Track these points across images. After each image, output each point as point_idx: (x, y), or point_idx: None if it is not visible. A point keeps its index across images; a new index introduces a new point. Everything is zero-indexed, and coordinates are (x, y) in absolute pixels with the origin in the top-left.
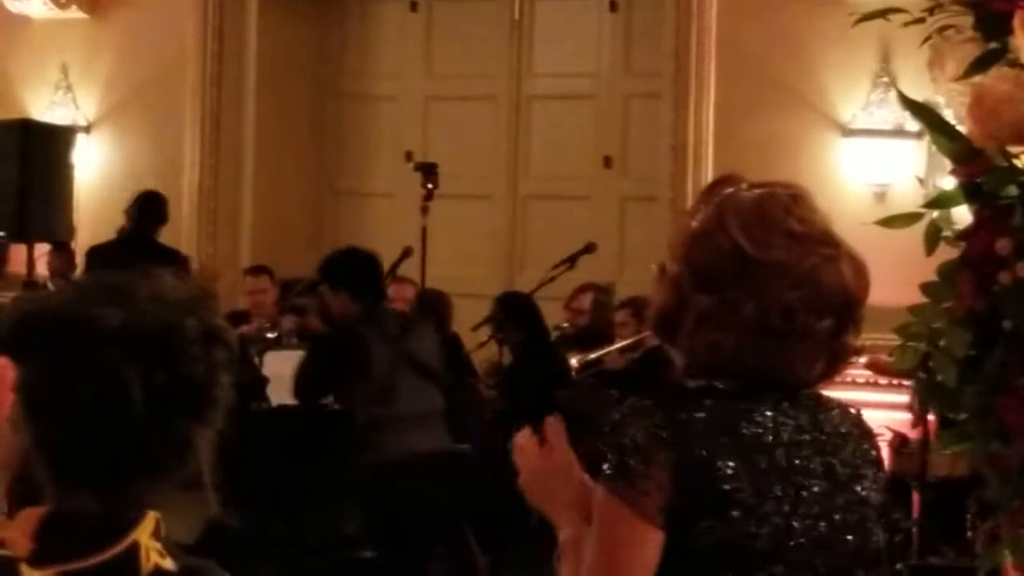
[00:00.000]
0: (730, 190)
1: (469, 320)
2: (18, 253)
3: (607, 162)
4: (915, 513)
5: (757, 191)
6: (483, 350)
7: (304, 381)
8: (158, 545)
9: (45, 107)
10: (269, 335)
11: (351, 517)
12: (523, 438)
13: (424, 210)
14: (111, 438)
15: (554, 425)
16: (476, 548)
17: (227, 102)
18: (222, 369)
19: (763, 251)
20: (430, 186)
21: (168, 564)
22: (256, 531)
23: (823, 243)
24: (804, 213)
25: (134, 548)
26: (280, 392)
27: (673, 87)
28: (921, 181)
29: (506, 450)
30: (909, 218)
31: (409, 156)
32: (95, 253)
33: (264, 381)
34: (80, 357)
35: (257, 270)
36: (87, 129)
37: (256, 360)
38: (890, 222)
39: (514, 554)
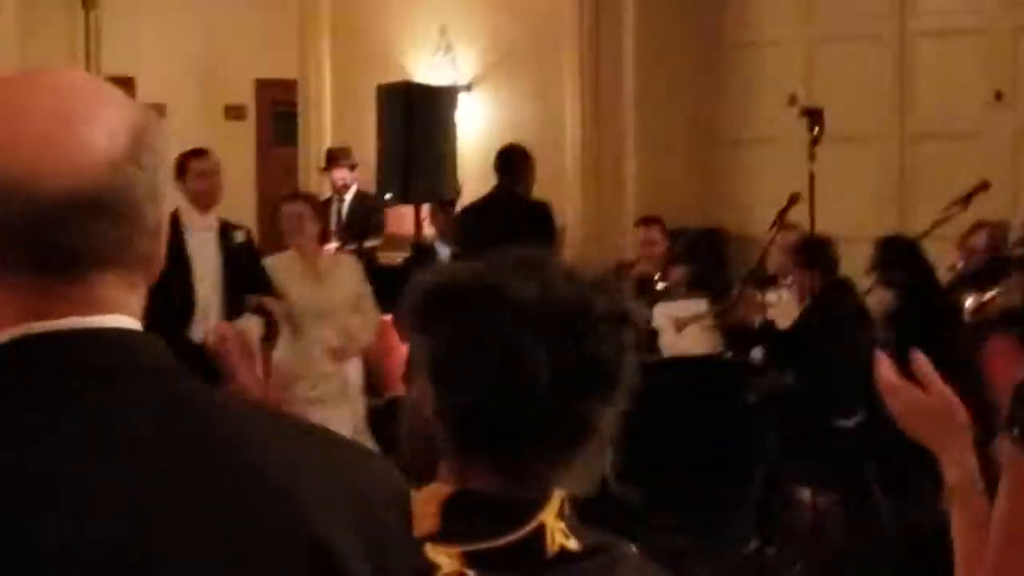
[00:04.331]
0: None
1: (861, 265)
2: (406, 215)
3: (998, 97)
4: None
5: None
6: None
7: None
8: (563, 525)
9: (426, 69)
10: (659, 286)
11: None
12: (889, 378)
13: (811, 156)
14: (514, 415)
15: (922, 362)
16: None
17: (605, 55)
18: (629, 350)
19: None
20: (816, 130)
21: (573, 544)
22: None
23: None
24: None
25: (540, 530)
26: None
27: None
28: None
29: None
30: None
31: (792, 100)
32: (465, 213)
33: (654, 333)
34: (491, 331)
35: (649, 221)
36: (467, 88)
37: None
38: None
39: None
